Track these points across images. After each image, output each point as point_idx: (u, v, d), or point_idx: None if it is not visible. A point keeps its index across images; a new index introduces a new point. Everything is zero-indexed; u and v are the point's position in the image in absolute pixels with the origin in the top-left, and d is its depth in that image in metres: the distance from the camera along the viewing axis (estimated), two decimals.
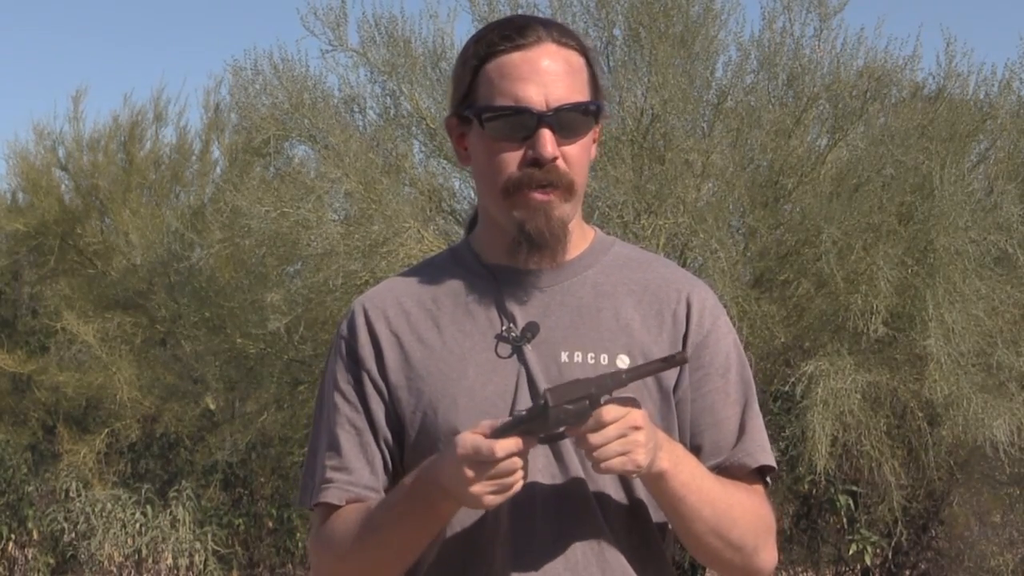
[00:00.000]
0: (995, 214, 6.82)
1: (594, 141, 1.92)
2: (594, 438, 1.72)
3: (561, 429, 1.76)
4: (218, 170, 11.42)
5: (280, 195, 7.44)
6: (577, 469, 1.84)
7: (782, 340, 7.15)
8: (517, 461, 1.72)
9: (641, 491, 1.87)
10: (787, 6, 7.37)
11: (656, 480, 1.79)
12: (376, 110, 7.87)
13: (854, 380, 6.74)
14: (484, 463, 1.71)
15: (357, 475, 1.89)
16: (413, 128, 7.79)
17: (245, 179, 8.05)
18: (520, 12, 7.35)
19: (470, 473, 1.71)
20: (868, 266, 6.77)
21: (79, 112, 11.61)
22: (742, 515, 1.87)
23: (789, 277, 7.22)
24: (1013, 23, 19.82)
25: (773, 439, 9.19)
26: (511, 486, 1.72)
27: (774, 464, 1.94)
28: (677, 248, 7.25)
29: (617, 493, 1.86)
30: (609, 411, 1.72)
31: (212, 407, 10.62)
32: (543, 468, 1.84)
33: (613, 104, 7.35)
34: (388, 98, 7.80)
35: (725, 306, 6.71)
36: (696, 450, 1.90)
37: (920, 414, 7.36)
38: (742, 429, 1.92)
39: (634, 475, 1.77)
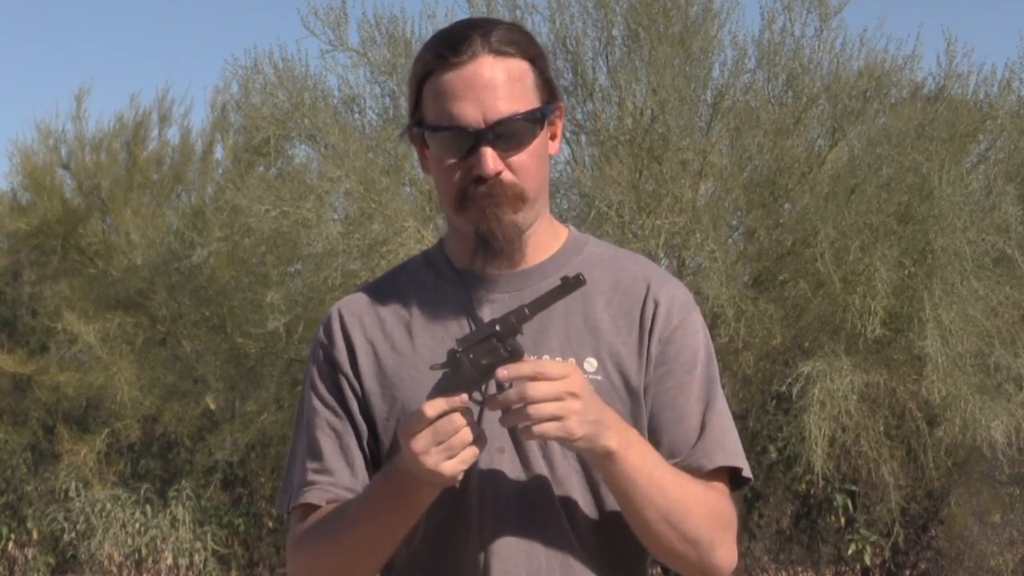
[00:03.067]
0: (994, 215, 6.82)
1: (553, 138, 1.92)
2: (531, 389, 1.70)
3: (485, 390, 1.75)
4: (220, 170, 11.44)
5: (280, 194, 7.45)
6: (544, 475, 1.85)
7: (780, 340, 7.15)
8: (455, 418, 1.71)
9: (610, 497, 1.86)
10: (787, 6, 7.38)
11: (604, 460, 1.77)
12: (376, 110, 7.89)
13: (851, 381, 6.75)
14: (420, 430, 1.71)
15: (338, 476, 1.90)
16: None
17: (246, 178, 8.06)
18: (518, 12, 7.36)
19: (416, 445, 1.71)
20: (866, 267, 6.78)
21: (82, 111, 11.63)
22: (696, 507, 1.84)
23: (787, 277, 7.22)
24: (1013, 23, 19.82)
25: (771, 439, 9.23)
26: (460, 446, 1.72)
27: (736, 464, 1.91)
28: (675, 248, 7.25)
29: (584, 499, 1.87)
30: (548, 365, 1.73)
31: (212, 407, 10.62)
32: (509, 473, 1.85)
33: (611, 104, 7.35)
34: (388, 98, 7.82)
35: (722, 307, 6.62)
36: (655, 446, 1.88)
37: (919, 414, 7.36)
38: (702, 429, 1.90)
39: (570, 446, 1.76)
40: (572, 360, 1.86)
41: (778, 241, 7.25)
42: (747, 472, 1.93)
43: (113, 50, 23.36)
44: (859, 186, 6.92)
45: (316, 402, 1.93)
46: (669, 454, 1.87)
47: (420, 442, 1.71)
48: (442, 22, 7.69)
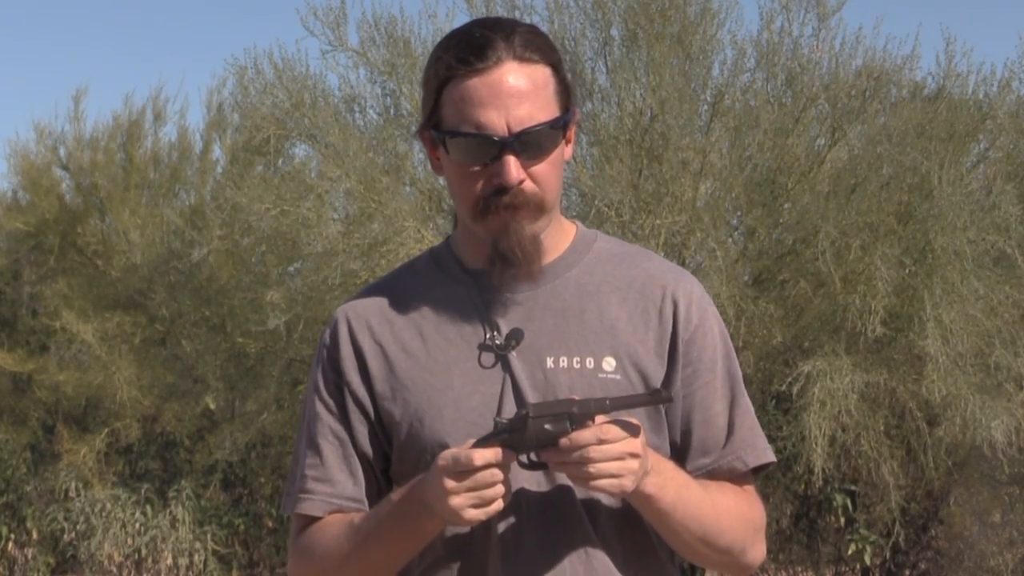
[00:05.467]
0: (993, 214, 6.82)
1: (568, 142, 1.90)
2: (595, 452, 1.71)
3: (542, 458, 1.76)
4: (219, 169, 11.45)
5: (280, 193, 7.45)
6: (564, 476, 1.82)
7: (780, 340, 7.15)
8: (497, 473, 1.72)
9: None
10: (785, 6, 7.37)
11: (641, 501, 1.80)
12: (376, 110, 7.88)
13: (851, 380, 6.75)
14: (462, 472, 1.71)
15: (340, 487, 1.89)
16: (413, 128, 7.80)
17: (246, 177, 8.07)
18: (516, 13, 7.36)
19: (450, 484, 1.71)
20: (866, 266, 6.78)
21: (80, 111, 11.64)
22: (730, 523, 1.88)
23: (787, 276, 7.22)
24: (1013, 23, 19.83)
25: (771, 439, 9.20)
26: (492, 499, 1.73)
27: (766, 460, 1.93)
28: (675, 247, 7.25)
29: (608, 501, 1.85)
30: (611, 429, 1.73)
31: (212, 407, 10.62)
32: (529, 476, 1.83)
33: (611, 104, 7.36)
34: (388, 98, 7.82)
35: (722, 306, 6.63)
36: (684, 447, 1.90)
37: (919, 414, 7.36)
38: (731, 427, 1.91)
39: (616, 496, 1.78)
40: (590, 359, 1.85)
41: (778, 240, 7.25)
42: (771, 457, 1.96)
43: (111, 50, 23.37)
44: (859, 185, 6.93)
45: (320, 407, 1.91)
46: (701, 453, 1.90)
47: (455, 483, 1.71)
48: (443, 22, 7.69)
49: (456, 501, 1.72)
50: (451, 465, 1.71)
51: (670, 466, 1.82)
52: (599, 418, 1.75)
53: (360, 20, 7.93)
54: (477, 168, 1.82)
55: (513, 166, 1.80)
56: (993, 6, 20.55)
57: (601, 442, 1.72)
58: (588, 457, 1.72)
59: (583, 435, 1.72)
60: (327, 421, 1.90)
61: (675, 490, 1.81)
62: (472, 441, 1.74)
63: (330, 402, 1.91)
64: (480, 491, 1.72)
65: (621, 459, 1.72)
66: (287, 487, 1.96)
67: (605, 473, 1.72)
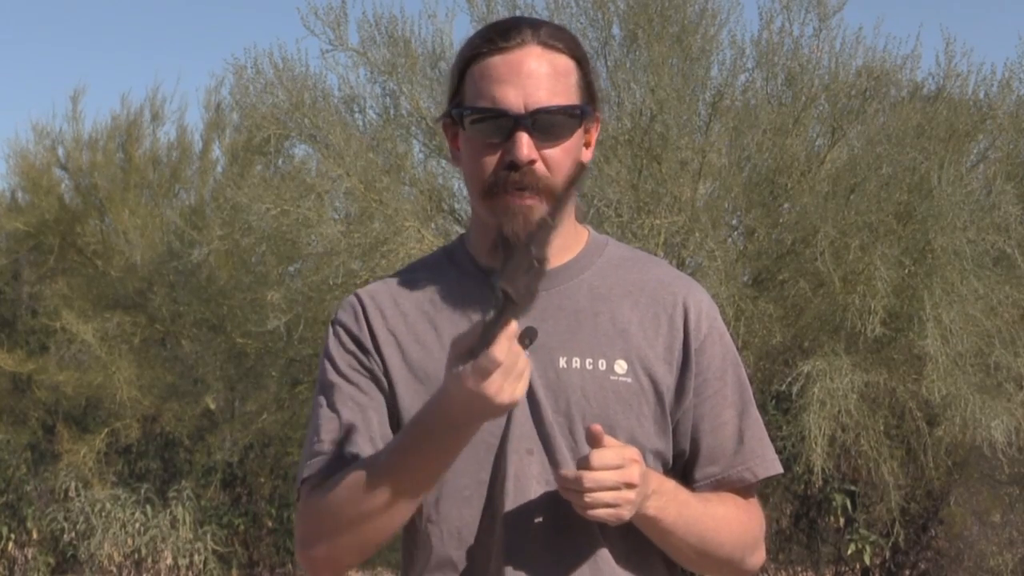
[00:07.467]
0: (993, 214, 6.82)
1: (587, 145, 1.91)
2: (589, 481, 1.71)
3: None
4: (218, 169, 11.46)
5: (280, 193, 7.45)
6: None
7: (780, 340, 7.15)
8: (516, 348, 1.65)
9: None
10: (786, 5, 7.38)
11: (643, 521, 1.80)
12: (376, 110, 7.88)
13: (851, 380, 6.75)
14: (492, 373, 1.64)
15: (359, 447, 1.85)
16: (413, 128, 7.81)
17: (246, 177, 8.07)
18: (517, 12, 7.37)
19: (491, 389, 1.64)
20: (866, 266, 6.78)
21: (78, 112, 11.66)
22: (729, 535, 1.89)
23: (787, 277, 7.22)
24: (1013, 23, 19.85)
25: (771, 438, 9.20)
26: (523, 369, 1.67)
27: (775, 472, 1.94)
28: (674, 247, 7.25)
29: None
30: (605, 456, 1.72)
31: (212, 407, 10.63)
32: (538, 475, 1.83)
33: (611, 104, 7.35)
34: (388, 98, 7.82)
35: (722, 306, 6.63)
36: (693, 456, 1.91)
37: (919, 414, 7.36)
38: (740, 437, 1.91)
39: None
40: (602, 361, 1.85)
41: (778, 240, 7.25)
42: (779, 468, 1.97)
43: (109, 50, 23.38)
44: (859, 185, 6.93)
45: (337, 378, 1.88)
46: (709, 462, 1.90)
47: (494, 385, 1.65)
48: (443, 22, 7.70)
49: (503, 397, 1.65)
50: (478, 374, 1.64)
51: (671, 485, 1.83)
52: (607, 440, 1.74)
53: (360, 20, 7.94)
54: (491, 144, 1.83)
55: (525, 143, 1.81)
56: (993, 6, 20.57)
57: (594, 467, 1.71)
58: (583, 487, 1.71)
59: (581, 461, 1.73)
60: (347, 390, 1.88)
61: (676, 509, 1.82)
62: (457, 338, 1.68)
63: (349, 372, 1.88)
64: (513, 372, 1.66)
65: (617, 489, 1.73)
66: (302, 462, 1.90)
67: (600, 503, 1.72)
